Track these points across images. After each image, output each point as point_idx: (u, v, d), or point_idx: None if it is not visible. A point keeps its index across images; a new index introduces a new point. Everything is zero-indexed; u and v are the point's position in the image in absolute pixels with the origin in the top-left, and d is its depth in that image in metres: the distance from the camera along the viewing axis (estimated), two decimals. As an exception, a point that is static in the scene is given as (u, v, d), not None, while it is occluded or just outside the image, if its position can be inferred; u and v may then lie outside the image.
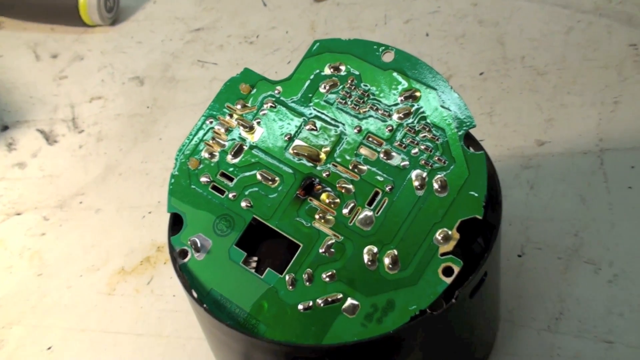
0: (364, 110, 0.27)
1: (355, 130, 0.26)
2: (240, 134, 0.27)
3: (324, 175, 0.26)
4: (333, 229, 0.25)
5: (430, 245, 0.24)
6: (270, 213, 0.26)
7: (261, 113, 0.28)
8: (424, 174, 0.25)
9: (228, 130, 0.28)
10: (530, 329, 0.31)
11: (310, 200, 0.26)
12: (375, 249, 0.24)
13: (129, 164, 0.42)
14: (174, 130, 0.43)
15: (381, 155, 0.26)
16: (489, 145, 0.37)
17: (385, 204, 0.25)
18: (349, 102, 0.27)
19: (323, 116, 0.27)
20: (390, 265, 0.24)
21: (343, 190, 0.26)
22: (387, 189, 0.25)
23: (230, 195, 0.26)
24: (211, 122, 0.28)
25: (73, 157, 0.43)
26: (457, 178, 0.25)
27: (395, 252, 0.24)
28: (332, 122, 0.27)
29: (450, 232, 0.24)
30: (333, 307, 0.24)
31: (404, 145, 0.26)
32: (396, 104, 0.27)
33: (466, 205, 0.24)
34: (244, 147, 0.27)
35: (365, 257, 0.24)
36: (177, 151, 0.28)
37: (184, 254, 0.26)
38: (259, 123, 0.27)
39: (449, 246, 0.24)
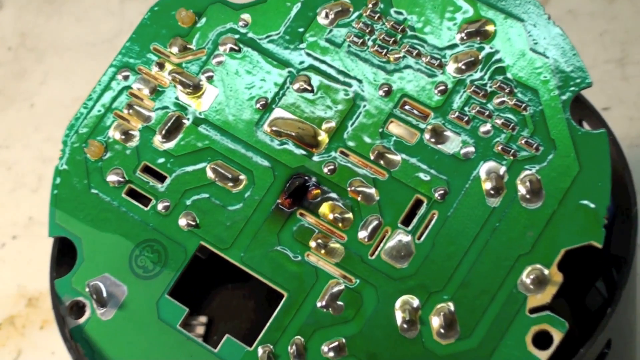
0: (397, 56, 0.27)
1: (381, 92, 0.27)
2: (177, 98, 0.28)
3: (326, 171, 0.27)
4: (341, 266, 0.26)
5: (511, 295, 0.24)
6: (230, 238, 0.26)
7: (214, 61, 0.28)
8: (502, 170, 0.26)
9: (156, 92, 0.28)
10: None
11: (302, 215, 0.26)
12: (415, 302, 0.25)
13: (-22, 151, 0.43)
14: (57, 89, 0.44)
15: (427, 135, 0.26)
16: (619, 119, 0.38)
17: (433, 222, 0.26)
18: (371, 43, 0.28)
19: (324, 67, 0.28)
20: (442, 330, 0.24)
21: (359, 198, 0.26)
22: (436, 195, 0.26)
23: (161, 207, 0.27)
24: (126, 78, 0.28)
25: None
26: (560, 176, 0.25)
27: (451, 306, 0.25)
28: (341, 77, 0.27)
29: (546, 272, 0.24)
30: (341, 402, 0.25)
31: (466, 119, 0.26)
32: (453, 46, 0.27)
33: (575, 225, 0.25)
34: (185, 121, 0.28)
35: (399, 316, 0.25)
36: (65, 128, 0.28)
37: (78, 309, 0.26)
38: (210, 79, 0.28)
39: (545, 296, 0.24)
